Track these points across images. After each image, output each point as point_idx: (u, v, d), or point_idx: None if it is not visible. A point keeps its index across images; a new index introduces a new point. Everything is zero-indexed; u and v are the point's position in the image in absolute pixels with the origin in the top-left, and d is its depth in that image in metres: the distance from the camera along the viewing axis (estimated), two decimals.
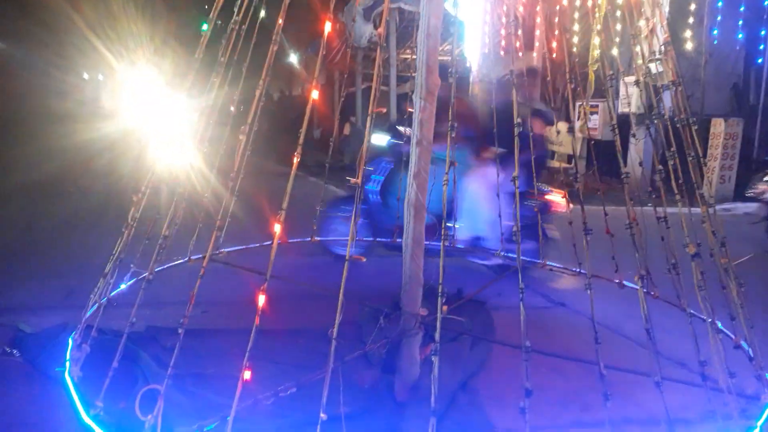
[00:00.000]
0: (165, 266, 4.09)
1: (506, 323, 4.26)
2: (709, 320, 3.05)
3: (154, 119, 3.94)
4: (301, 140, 2.96)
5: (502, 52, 10.57)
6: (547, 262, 4.87)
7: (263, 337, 3.86)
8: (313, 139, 13.46)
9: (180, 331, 2.75)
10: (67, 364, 3.18)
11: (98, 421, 2.78)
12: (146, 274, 3.11)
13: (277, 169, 8.59)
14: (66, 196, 8.19)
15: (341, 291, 2.49)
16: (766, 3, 9.88)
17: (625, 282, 4.28)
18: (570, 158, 9.52)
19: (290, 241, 5.10)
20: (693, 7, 9.83)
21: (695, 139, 3.30)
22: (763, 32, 10.06)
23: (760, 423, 2.96)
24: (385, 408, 3.27)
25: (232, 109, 3.97)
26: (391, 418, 3.17)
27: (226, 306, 4.44)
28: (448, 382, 3.45)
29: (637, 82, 3.60)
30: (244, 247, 4.76)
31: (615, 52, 4.53)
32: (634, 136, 4.15)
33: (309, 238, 5.10)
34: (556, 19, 9.34)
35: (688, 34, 10.03)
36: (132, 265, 3.68)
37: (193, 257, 4.23)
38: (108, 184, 7.78)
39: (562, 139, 9.38)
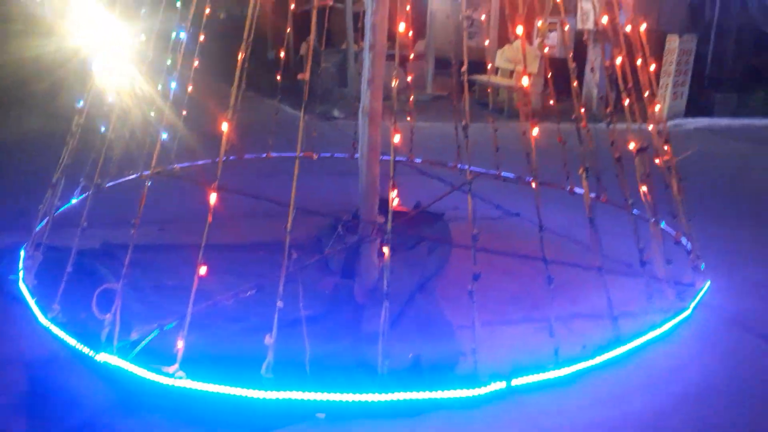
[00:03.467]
0: (117, 181, 4.01)
1: (464, 234, 4.36)
2: (652, 219, 3.19)
3: (100, 41, 3.75)
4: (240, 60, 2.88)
5: None
6: (502, 173, 4.96)
7: (223, 250, 3.91)
8: (267, 59, 13.03)
9: (132, 231, 2.72)
10: (21, 273, 3.15)
11: (57, 323, 2.80)
12: (97, 183, 3.05)
13: (229, 91, 8.34)
14: (10, 119, 7.80)
15: (294, 184, 2.50)
16: None
17: (575, 189, 4.42)
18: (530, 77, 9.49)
19: (246, 156, 5.05)
20: None
21: (643, 43, 3.33)
22: None
23: (692, 305, 3.19)
24: (345, 310, 3.38)
25: (183, 34, 3.80)
26: (351, 319, 3.28)
27: (183, 222, 4.40)
28: (406, 285, 3.56)
29: None
30: (196, 162, 4.69)
31: None
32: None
33: (264, 155, 5.05)
34: None
35: None
36: (82, 179, 3.59)
37: (145, 172, 4.15)
38: (53, 107, 7.43)
39: (521, 57, 9.32)
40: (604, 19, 3.16)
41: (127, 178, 4.22)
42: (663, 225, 3.70)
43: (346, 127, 7.15)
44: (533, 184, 2.80)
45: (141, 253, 3.29)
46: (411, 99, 5.54)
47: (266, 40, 13.61)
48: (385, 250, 2.55)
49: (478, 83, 10.15)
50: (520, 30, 2.97)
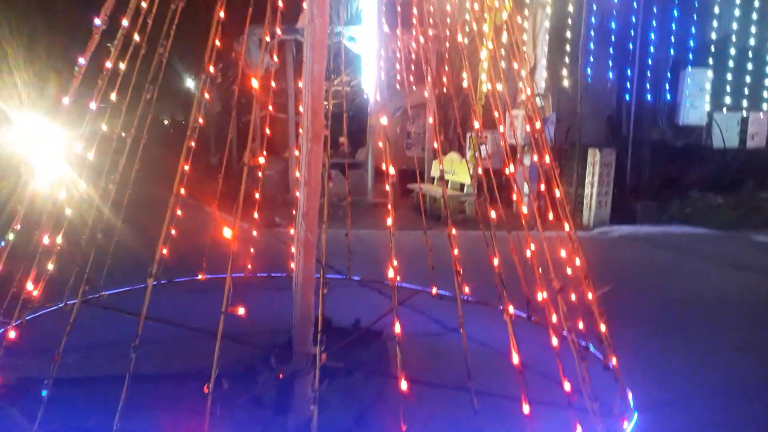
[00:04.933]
0: (38, 313, 3.83)
1: (403, 353, 4.34)
2: (580, 344, 3.30)
3: (35, 146, 3.73)
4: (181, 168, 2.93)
5: (397, 86, 10.93)
6: (438, 291, 5.04)
7: (150, 382, 3.73)
8: (211, 165, 13.12)
9: (46, 382, 2.59)
10: None
11: None
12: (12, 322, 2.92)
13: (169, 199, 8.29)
14: None
15: (218, 342, 2.47)
16: (630, 46, 10.99)
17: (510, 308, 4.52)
18: (462, 187, 9.94)
19: (177, 280, 4.94)
20: (568, 48, 10.77)
21: (553, 168, 3.59)
22: (628, 71, 11.14)
23: None
24: None
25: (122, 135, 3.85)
26: None
27: (109, 350, 4.20)
28: (343, 416, 3.48)
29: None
30: (127, 288, 4.54)
31: (501, 87, 4.82)
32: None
33: (198, 276, 4.97)
34: (447, 56, 9.80)
35: (565, 72, 10.96)
36: None
37: (69, 302, 3.99)
38: None
39: (455, 168, 9.79)
40: (527, 160, 3.40)
41: (50, 309, 4.03)
42: (591, 349, 3.82)
43: (286, 236, 7.17)
44: (459, 316, 2.88)
45: (61, 389, 3.10)
46: (348, 212, 5.66)
47: (209, 145, 13.80)
48: (313, 409, 2.49)
49: (415, 191, 10.52)
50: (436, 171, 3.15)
